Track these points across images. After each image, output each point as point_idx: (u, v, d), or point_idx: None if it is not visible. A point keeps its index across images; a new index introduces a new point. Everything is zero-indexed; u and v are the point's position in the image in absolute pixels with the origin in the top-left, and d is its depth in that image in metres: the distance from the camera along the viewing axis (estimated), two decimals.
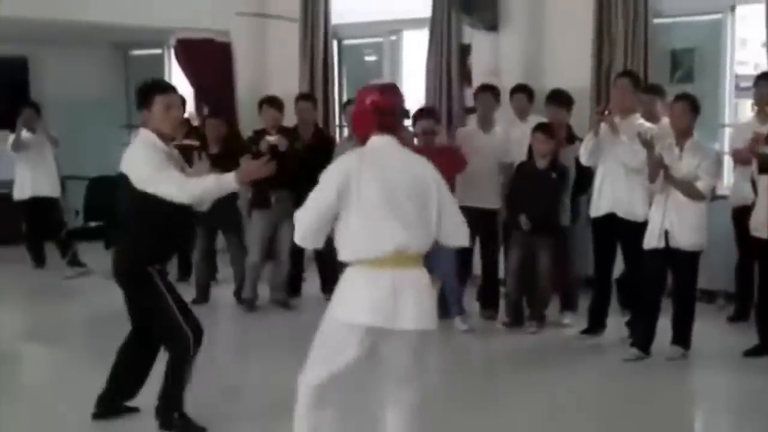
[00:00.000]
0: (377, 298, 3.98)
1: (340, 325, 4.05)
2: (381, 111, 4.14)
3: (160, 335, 5.02)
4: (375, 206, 3.99)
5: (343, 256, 4.07)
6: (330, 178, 4.06)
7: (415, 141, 7.60)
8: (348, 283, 4.07)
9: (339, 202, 3.99)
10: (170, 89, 4.97)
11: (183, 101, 9.66)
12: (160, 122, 4.83)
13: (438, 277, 4.46)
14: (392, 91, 4.30)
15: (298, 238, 4.08)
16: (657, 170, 6.40)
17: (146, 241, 4.84)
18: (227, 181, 4.77)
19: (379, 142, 4.15)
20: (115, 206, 11.29)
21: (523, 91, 8.15)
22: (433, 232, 4.12)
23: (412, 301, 4.00)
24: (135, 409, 5.35)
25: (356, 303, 4.01)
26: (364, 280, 4.01)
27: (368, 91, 4.24)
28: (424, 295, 4.08)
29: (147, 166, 4.72)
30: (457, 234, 4.20)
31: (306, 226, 4.04)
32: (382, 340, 4.07)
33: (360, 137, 4.24)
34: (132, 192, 4.75)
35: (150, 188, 4.70)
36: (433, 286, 4.21)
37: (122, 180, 4.81)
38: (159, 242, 4.89)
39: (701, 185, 6.42)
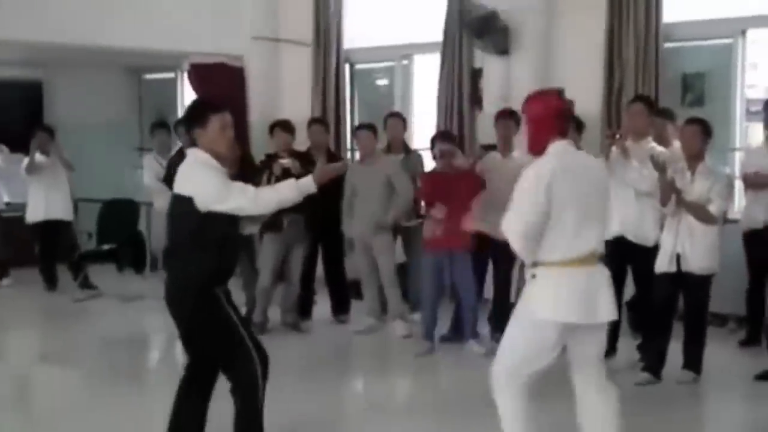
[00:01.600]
0: (578, 296, 4.21)
1: (539, 323, 4.23)
2: (562, 115, 4.30)
3: (225, 363, 4.70)
4: (573, 209, 4.17)
5: (538, 256, 4.25)
6: (534, 186, 4.19)
7: (435, 163, 7.66)
8: (546, 283, 4.23)
9: (549, 208, 4.16)
10: (224, 108, 4.77)
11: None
12: (214, 142, 4.65)
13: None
14: (559, 96, 4.47)
15: (519, 250, 4.27)
16: (669, 194, 6.40)
17: (210, 262, 4.62)
18: (306, 184, 4.68)
19: (564, 147, 4.29)
20: (127, 228, 11.48)
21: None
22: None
23: (605, 295, 4.28)
24: None
25: (557, 301, 4.20)
26: (563, 279, 4.21)
27: (544, 97, 4.41)
28: (611, 288, 4.36)
29: (213, 184, 4.55)
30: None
31: (523, 236, 4.20)
32: (574, 336, 4.31)
33: (539, 144, 4.30)
34: (193, 213, 4.54)
35: (218, 206, 4.51)
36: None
37: (176, 203, 4.63)
38: (222, 262, 4.69)
39: (713, 208, 6.41)
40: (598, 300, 4.26)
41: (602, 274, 4.33)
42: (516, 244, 4.24)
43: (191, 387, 4.84)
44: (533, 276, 4.30)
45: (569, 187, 4.18)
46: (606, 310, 4.30)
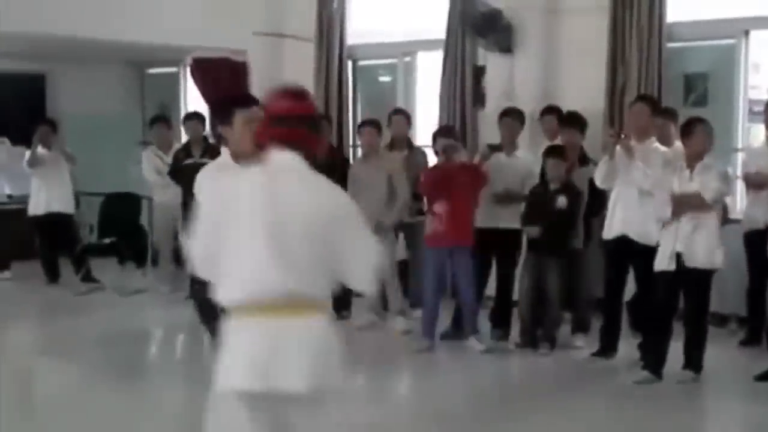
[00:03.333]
0: (251, 354, 3.21)
1: (218, 392, 3.28)
2: (274, 118, 3.39)
3: None
4: (248, 239, 3.24)
5: (218, 298, 3.34)
6: (205, 200, 3.43)
7: (437, 158, 7.69)
8: (225, 338, 3.30)
9: (218, 230, 3.30)
10: (250, 104, 4.57)
11: (203, 119, 9.87)
12: (238, 140, 4.52)
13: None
14: (289, 95, 3.44)
15: (195, 269, 3.42)
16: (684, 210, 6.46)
17: None
18: None
19: (273, 158, 3.36)
20: (129, 222, 11.49)
21: (553, 112, 8.18)
22: (329, 274, 3.31)
23: (293, 357, 3.20)
24: None
25: (225, 362, 3.27)
26: (235, 333, 3.27)
27: (268, 99, 3.51)
28: (309, 350, 3.23)
29: (211, 185, 4.36)
30: (360, 278, 3.37)
31: (194, 254, 3.38)
32: (280, 408, 3.22)
33: (255, 153, 3.49)
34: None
35: None
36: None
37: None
38: None
39: (707, 194, 6.41)
40: (282, 362, 3.18)
41: (300, 330, 3.24)
42: (193, 263, 3.41)
43: None
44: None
45: (251, 210, 3.26)
46: (291, 378, 3.16)
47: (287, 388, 3.17)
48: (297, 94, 3.45)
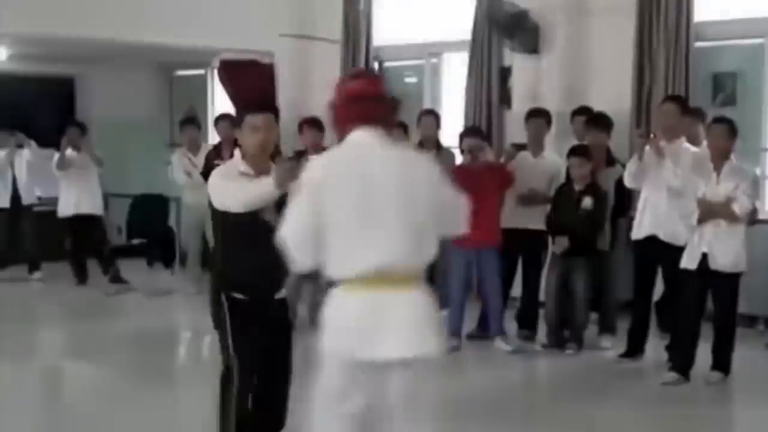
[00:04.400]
0: (355, 324, 3.41)
1: (329, 360, 3.48)
2: (358, 98, 3.58)
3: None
4: (350, 215, 3.42)
5: (328, 274, 3.49)
6: (304, 184, 3.51)
7: (462, 158, 7.69)
8: (329, 309, 3.48)
9: (317, 214, 3.42)
10: (259, 109, 4.64)
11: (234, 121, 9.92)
12: (244, 142, 4.57)
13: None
14: (368, 77, 3.90)
15: (292, 259, 3.49)
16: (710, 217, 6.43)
17: (218, 265, 4.63)
18: (267, 184, 4.23)
19: (359, 136, 3.54)
20: (157, 223, 11.55)
21: (584, 113, 8.15)
22: (430, 242, 3.59)
23: (398, 326, 3.40)
24: None
25: (335, 331, 3.45)
26: (343, 304, 3.44)
27: (342, 82, 3.75)
28: (415, 318, 3.46)
29: (216, 183, 4.47)
30: (453, 222, 3.84)
31: (291, 244, 3.46)
32: (385, 376, 3.45)
33: (339, 134, 3.65)
34: (213, 214, 4.55)
35: (216, 204, 4.44)
36: None
37: (209, 204, 4.57)
38: (227, 267, 4.57)
39: (737, 207, 6.38)
40: (387, 331, 3.38)
41: (404, 301, 3.45)
42: (288, 252, 3.48)
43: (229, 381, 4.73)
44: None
45: (348, 187, 3.43)
46: (396, 345, 3.38)
47: (386, 356, 3.38)
48: (372, 77, 3.98)
